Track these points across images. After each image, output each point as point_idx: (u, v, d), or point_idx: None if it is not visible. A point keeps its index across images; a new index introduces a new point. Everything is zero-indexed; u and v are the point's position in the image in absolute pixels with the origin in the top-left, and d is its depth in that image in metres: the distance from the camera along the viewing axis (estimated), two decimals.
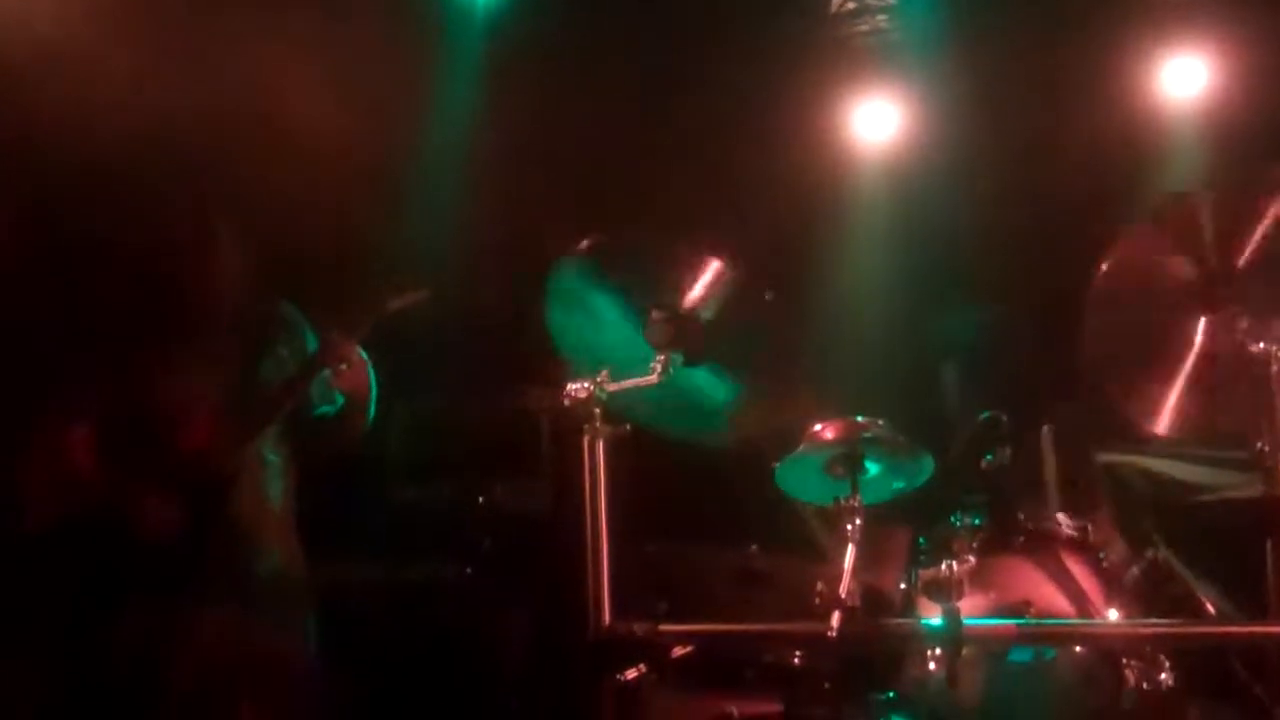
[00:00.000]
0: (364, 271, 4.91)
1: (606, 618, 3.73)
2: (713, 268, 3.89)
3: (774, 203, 5.71)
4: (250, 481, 4.27)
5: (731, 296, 3.92)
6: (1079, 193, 5.46)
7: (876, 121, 5.88)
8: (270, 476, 4.35)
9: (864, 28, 5.87)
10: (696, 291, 3.88)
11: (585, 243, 3.89)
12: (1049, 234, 5.49)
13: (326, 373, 4.32)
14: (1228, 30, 5.48)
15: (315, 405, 4.39)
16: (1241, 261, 3.58)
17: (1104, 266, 3.63)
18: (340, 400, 4.40)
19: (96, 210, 4.63)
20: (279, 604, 4.30)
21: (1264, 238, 3.57)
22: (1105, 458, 4.93)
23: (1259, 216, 3.56)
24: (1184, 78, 5.56)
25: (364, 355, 4.36)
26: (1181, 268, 3.63)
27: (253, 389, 4.30)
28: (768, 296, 3.95)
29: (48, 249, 4.80)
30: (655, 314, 3.85)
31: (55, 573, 4.13)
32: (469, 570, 5.37)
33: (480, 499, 5.48)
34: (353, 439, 4.52)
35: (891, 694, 4.05)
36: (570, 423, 3.89)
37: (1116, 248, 3.66)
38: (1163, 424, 4.70)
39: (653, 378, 3.87)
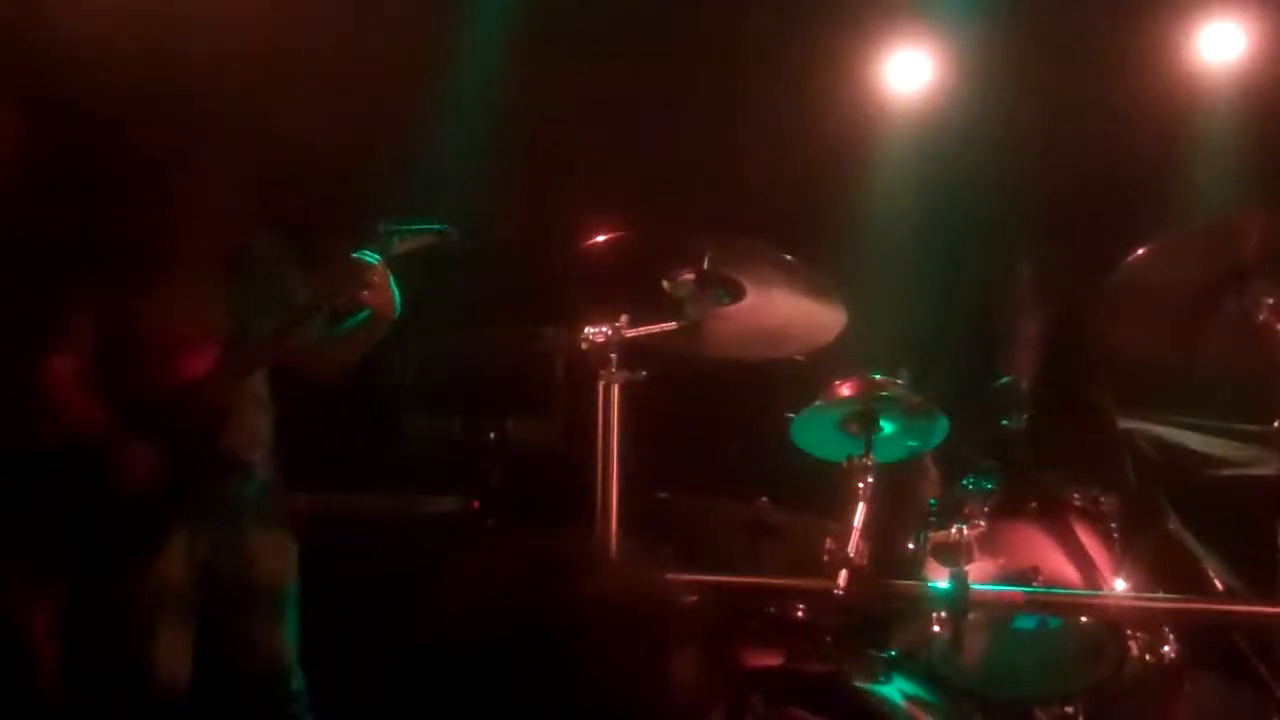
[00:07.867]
0: (380, 204, 4.86)
1: None
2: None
3: (802, 152, 5.65)
4: (239, 415, 4.24)
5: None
6: (1112, 153, 5.40)
7: (909, 72, 5.79)
8: (257, 409, 4.33)
9: None
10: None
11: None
12: (1080, 192, 5.44)
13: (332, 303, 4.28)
14: None
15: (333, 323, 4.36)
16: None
17: (1139, 251, 3.61)
18: (359, 317, 4.35)
19: (107, 131, 4.55)
20: (263, 525, 4.31)
21: None
22: (1120, 424, 4.91)
23: None
24: (1221, 43, 5.49)
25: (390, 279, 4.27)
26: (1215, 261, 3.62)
27: (251, 324, 4.27)
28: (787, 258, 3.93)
29: (56, 166, 4.73)
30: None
31: (52, 490, 4.11)
32: (476, 504, 5.38)
33: (491, 434, 5.48)
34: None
35: (893, 652, 4.04)
36: (585, 363, 3.89)
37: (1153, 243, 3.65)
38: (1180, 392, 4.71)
39: (672, 325, 3.89)
